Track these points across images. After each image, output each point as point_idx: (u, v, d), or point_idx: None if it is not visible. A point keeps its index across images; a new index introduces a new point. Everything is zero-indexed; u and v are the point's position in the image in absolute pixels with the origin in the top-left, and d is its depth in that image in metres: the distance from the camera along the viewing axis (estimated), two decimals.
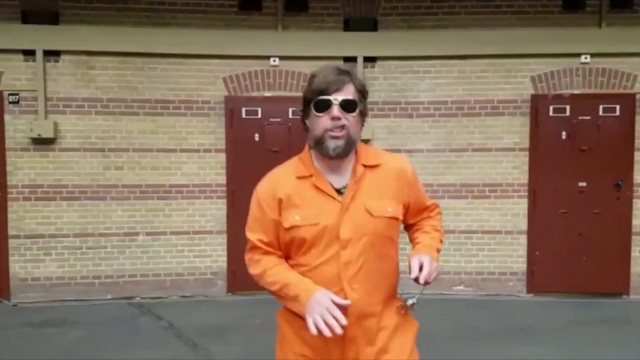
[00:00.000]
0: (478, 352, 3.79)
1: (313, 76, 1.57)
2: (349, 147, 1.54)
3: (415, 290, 1.55)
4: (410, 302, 1.58)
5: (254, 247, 1.61)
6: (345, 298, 1.48)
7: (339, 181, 1.57)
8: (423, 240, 1.65)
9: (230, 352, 3.84)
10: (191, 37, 5.03)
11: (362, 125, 1.61)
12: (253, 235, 1.60)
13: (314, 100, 1.52)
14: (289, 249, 1.58)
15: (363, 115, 1.59)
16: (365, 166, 1.59)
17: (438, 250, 1.65)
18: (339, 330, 1.39)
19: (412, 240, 1.72)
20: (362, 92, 1.57)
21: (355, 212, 1.54)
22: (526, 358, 3.69)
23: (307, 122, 1.58)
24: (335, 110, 1.51)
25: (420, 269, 1.48)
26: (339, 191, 1.56)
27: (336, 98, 1.50)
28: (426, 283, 1.49)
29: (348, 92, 1.53)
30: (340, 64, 4.97)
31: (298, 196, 1.56)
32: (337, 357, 1.53)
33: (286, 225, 1.55)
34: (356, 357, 1.53)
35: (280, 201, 1.56)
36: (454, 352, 3.78)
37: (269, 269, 1.57)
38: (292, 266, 1.57)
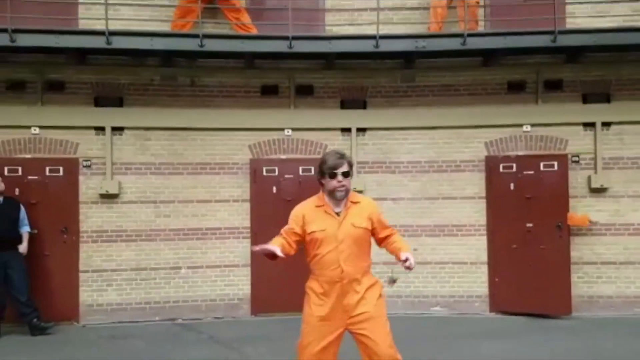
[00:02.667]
0: (454, 346, 5.11)
1: (325, 160, 3.05)
2: (347, 195, 3.02)
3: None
4: (393, 277, 2.93)
5: (282, 231, 3.06)
6: (341, 271, 2.92)
7: (337, 209, 3.03)
8: (403, 246, 3.05)
9: (260, 352, 5.13)
10: (224, 115, 6.55)
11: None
12: (284, 228, 3.06)
13: (328, 173, 2.99)
14: (309, 245, 3.02)
15: (351, 176, 3.06)
16: (351, 202, 3.05)
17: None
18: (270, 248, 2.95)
19: (391, 247, 3.09)
20: (351, 165, 3.05)
21: (345, 225, 2.99)
22: (489, 350, 5.01)
23: (323, 181, 3.04)
24: (340, 178, 2.98)
25: (406, 260, 2.89)
26: (337, 214, 3.01)
27: (340, 172, 2.98)
28: (409, 268, 2.88)
29: (345, 167, 3.00)
30: (339, 136, 6.55)
31: (315, 216, 3.03)
32: (339, 301, 2.94)
33: (308, 231, 2.99)
34: (347, 302, 2.94)
35: (303, 217, 3.03)
36: (438, 347, 5.08)
37: (275, 239, 3.02)
38: (311, 256, 3.02)
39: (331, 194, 3.02)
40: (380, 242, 3.16)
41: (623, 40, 5.98)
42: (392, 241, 3.11)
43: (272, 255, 2.95)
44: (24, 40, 5.58)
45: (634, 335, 5.59)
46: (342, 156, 3.05)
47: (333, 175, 2.98)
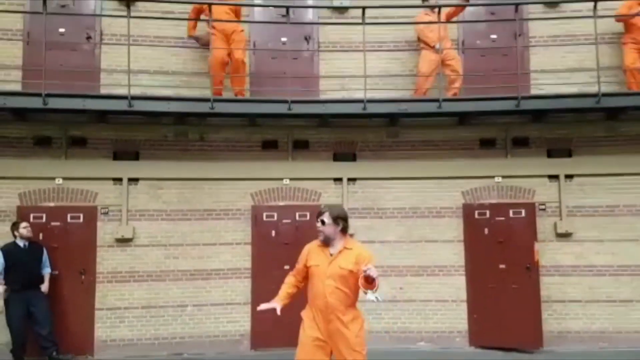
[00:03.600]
0: None
1: (318, 212, 3.85)
2: (325, 239, 3.78)
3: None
4: (377, 298, 3.53)
5: (292, 270, 3.82)
6: (326, 302, 3.63)
7: (332, 251, 3.77)
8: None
9: None
10: (229, 167, 7.30)
11: (341, 229, 3.79)
12: (295, 267, 3.83)
13: (317, 218, 3.82)
14: (307, 275, 3.78)
15: (337, 224, 3.77)
16: (345, 247, 3.78)
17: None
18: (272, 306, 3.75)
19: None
20: (335, 217, 3.77)
21: (334, 265, 3.72)
22: None
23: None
24: (318, 224, 3.78)
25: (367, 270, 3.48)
26: (331, 254, 3.76)
27: (318, 220, 3.78)
28: (369, 278, 3.40)
29: (323, 217, 3.77)
30: (332, 185, 7.31)
31: (315, 253, 3.80)
32: (326, 327, 3.66)
33: (308, 264, 3.77)
34: (333, 327, 3.64)
35: (308, 253, 3.81)
36: None
37: (285, 282, 3.81)
38: (308, 286, 3.77)
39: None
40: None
41: (580, 104, 6.86)
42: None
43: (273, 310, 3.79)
44: (55, 103, 6.35)
45: None
46: (325, 209, 3.87)
47: (318, 222, 3.84)
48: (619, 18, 7.18)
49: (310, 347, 3.69)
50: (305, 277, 3.86)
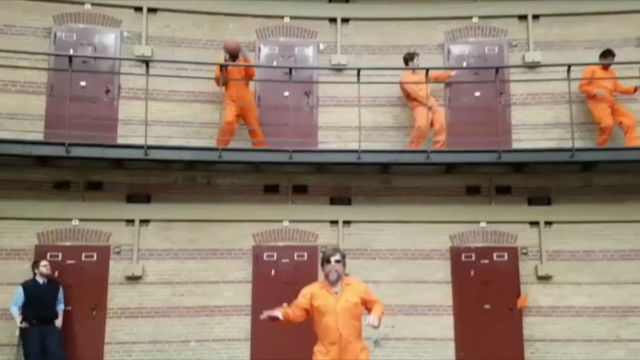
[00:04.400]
0: None
1: (324, 253, 4.41)
2: (338, 277, 4.30)
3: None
4: (377, 339, 4.14)
5: (294, 303, 4.32)
6: (340, 337, 4.13)
7: (335, 289, 4.28)
8: (374, 311, 4.25)
9: None
10: (233, 209, 7.86)
11: (344, 268, 4.35)
12: (295, 301, 4.32)
13: (326, 260, 4.32)
14: (315, 316, 4.26)
15: (344, 264, 4.34)
16: (346, 284, 4.31)
17: (382, 312, 4.29)
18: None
19: (370, 310, 4.31)
20: (343, 257, 4.36)
21: (342, 301, 4.23)
22: None
23: (323, 267, 4.36)
24: (333, 263, 4.29)
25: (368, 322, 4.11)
26: (336, 293, 4.26)
27: (333, 259, 4.30)
28: (375, 327, 4.08)
29: (337, 256, 4.32)
30: (328, 227, 7.86)
31: (319, 294, 4.28)
32: (339, 357, 4.14)
33: (315, 305, 4.24)
34: (346, 357, 4.14)
35: (311, 294, 4.30)
36: None
37: (288, 307, 4.30)
38: (317, 324, 4.25)
39: (327, 277, 4.33)
40: (369, 310, 4.36)
41: (556, 158, 7.53)
42: (372, 309, 4.32)
43: (275, 318, 4.25)
44: (77, 152, 6.96)
45: None
46: (336, 250, 4.46)
47: (329, 262, 4.33)
48: (582, 83, 7.87)
49: None
50: (301, 314, 4.33)
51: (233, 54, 7.56)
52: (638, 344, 7.72)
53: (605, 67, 7.87)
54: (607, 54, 7.91)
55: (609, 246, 7.90)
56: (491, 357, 7.47)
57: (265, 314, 4.30)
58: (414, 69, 7.90)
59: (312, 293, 4.34)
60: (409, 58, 7.96)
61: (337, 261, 4.32)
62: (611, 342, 7.72)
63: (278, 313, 4.28)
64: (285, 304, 7.39)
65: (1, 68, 7.26)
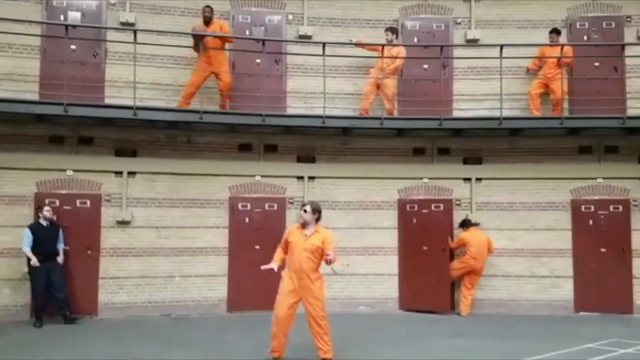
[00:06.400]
0: (374, 330, 7.66)
1: (302, 204, 5.78)
2: (306, 224, 5.64)
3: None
4: (334, 270, 5.61)
5: (280, 244, 5.73)
6: (300, 267, 5.50)
7: (306, 232, 5.63)
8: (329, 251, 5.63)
9: (231, 335, 7.50)
10: (211, 165, 8.98)
11: (316, 218, 5.67)
12: (281, 241, 5.71)
13: (300, 209, 5.74)
14: (287, 248, 5.64)
15: (315, 214, 5.66)
16: (316, 231, 5.64)
17: (335, 255, 5.63)
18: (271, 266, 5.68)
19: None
20: (314, 209, 5.66)
21: (308, 242, 5.57)
22: (395, 332, 7.59)
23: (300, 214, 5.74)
24: (302, 212, 5.65)
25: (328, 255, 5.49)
26: (306, 235, 5.61)
27: (302, 210, 5.67)
28: (329, 262, 5.46)
29: (306, 208, 5.65)
30: (295, 182, 9.07)
31: (294, 233, 5.66)
32: (298, 283, 5.53)
33: (289, 239, 5.63)
34: (303, 284, 5.53)
35: (289, 233, 5.69)
36: (364, 329, 7.59)
37: (276, 251, 5.71)
38: (288, 255, 5.66)
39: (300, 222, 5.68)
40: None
41: (487, 125, 8.90)
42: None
43: (272, 269, 5.63)
44: (74, 111, 7.83)
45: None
46: (306, 204, 5.76)
47: (300, 209, 5.67)
48: (533, 61, 9.21)
49: (286, 294, 5.57)
50: (287, 250, 5.67)
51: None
52: (548, 280, 9.43)
53: (553, 44, 9.13)
54: (552, 32, 9.18)
55: (528, 199, 9.47)
56: (426, 289, 9.01)
57: (264, 267, 5.67)
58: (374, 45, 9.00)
59: (290, 231, 5.75)
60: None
61: (305, 211, 5.66)
62: (527, 278, 9.41)
63: (274, 265, 5.67)
64: (257, 247, 8.74)
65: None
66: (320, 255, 5.60)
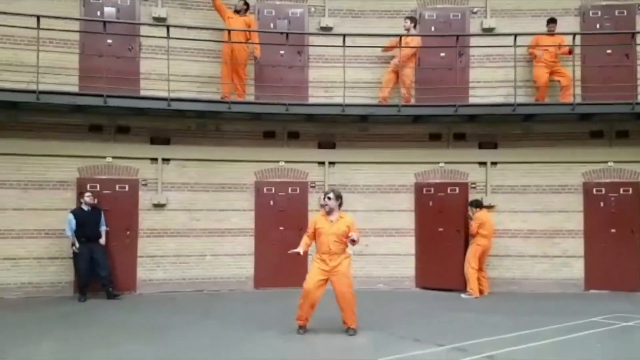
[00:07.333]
0: (391, 305, 8.22)
1: (326, 192, 6.38)
2: (329, 210, 6.24)
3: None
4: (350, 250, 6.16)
5: (306, 233, 6.35)
6: (329, 249, 6.12)
7: (331, 218, 6.22)
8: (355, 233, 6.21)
9: (259, 307, 8.12)
10: (238, 151, 9.56)
11: (339, 204, 6.29)
12: (307, 231, 6.34)
13: (324, 196, 6.32)
14: (316, 235, 6.23)
15: (338, 201, 6.27)
16: (340, 217, 6.25)
17: (359, 236, 6.23)
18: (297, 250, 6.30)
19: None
20: (337, 196, 6.28)
21: (335, 227, 6.18)
22: (412, 306, 8.14)
23: (323, 202, 6.36)
24: (326, 200, 6.23)
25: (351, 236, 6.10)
26: (331, 221, 6.21)
27: (326, 197, 6.25)
28: (354, 242, 6.08)
29: (330, 195, 6.26)
30: (316, 167, 9.60)
31: (320, 220, 6.27)
32: (328, 263, 6.15)
33: (317, 227, 6.23)
34: (332, 264, 6.14)
35: (315, 222, 6.28)
36: (383, 304, 8.15)
37: (303, 239, 6.32)
38: (317, 241, 6.26)
39: (323, 208, 6.25)
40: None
41: (501, 111, 9.29)
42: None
43: (298, 253, 6.23)
44: (112, 102, 8.44)
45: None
46: (329, 191, 6.34)
47: (324, 199, 6.20)
48: (530, 49, 9.54)
49: (316, 273, 6.18)
50: (312, 238, 6.29)
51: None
52: (560, 259, 9.85)
53: (551, 34, 9.49)
54: (550, 21, 9.51)
55: (541, 182, 9.86)
56: (441, 268, 9.52)
57: (291, 252, 6.28)
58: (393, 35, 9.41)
59: (316, 220, 6.34)
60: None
61: (329, 198, 6.25)
62: (539, 258, 9.85)
63: (300, 250, 6.28)
64: (281, 228, 9.31)
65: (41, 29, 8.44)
66: (346, 238, 6.18)
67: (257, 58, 9.38)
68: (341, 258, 6.18)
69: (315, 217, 6.47)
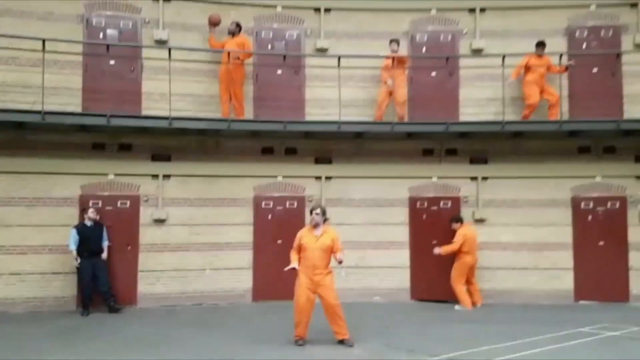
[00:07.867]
0: (387, 317, 8.45)
1: (312, 207, 6.56)
2: (316, 224, 6.51)
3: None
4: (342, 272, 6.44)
5: (293, 247, 6.58)
6: (314, 264, 6.39)
7: (316, 233, 6.50)
8: (339, 252, 6.49)
9: (256, 319, 8.34)
10: (237, 167, 9.83)
11: (324, 219, 6.57)
12: (294, 245, 6.58)
13: (310, 211, 6.55)
14: (300, 250, 6.50)
15: (323, 216, 6.55)
16: (324, 231, 6.52)
17: (343, 254, 6.53)
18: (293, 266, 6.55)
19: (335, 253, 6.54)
20: (323, 211, 6.56)
21: (318, 242, 6.46)
22: (407, 317, 8.38)
23: (310, 216, 6.57)
24: (313, 215, 6.50)
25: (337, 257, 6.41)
26: (316, 236, 6.48)
27: (314, 212, 6.52)
28: (340, 262, 6.33)
29: (316, 210, 6.52)
30: (313, 182, 9.89)
31: (306, 235, 6.54)
32: (312, 278, 6.41)
33: (302, 242, 6.49)
34: (317, 279, 6.41)
35: (301, 237, 6.54)
36: (378, 318, 8.39)
37: (292, 255, 6.58)
38: (301, 255, 6.53)
39: (311, 224, 6.49)
40: (333, 253, 6.55)
41: (491, 129, 9.63)
42: (337, 251, 6.51)
43: (293, 268, 6.47)
44: (115, 122, 8.73)
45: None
46: (316, 206, 6.60)
47: (311, 213, 6.50)
48: (517, 70, 9.89)
49: (303, 288, 6.44)
50: (300, 251, 6.53)
51: (215, 24, 9.58)
52: (551, 272, 10.13)
53: (539, 55, 9.86)
54: (539, 44, 9.88)
55: (531, 196, 10.16)
56: (436, 280, 9.77)
57: (287, 268, 6.55)
58: (386, 56, 9.77)
59: (301, 235, 6.60)
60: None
61: (317, 214, 6.53)
62: (530, 270, 10.12)
63: (295, 265, 6.53)
64: (279, 241, 9.55)
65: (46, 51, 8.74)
66: (331, 251, 6.48)
67: (243, 59, 9.61)
68: (325, 272, 6.46)
69: (300, 232, 6.69)
